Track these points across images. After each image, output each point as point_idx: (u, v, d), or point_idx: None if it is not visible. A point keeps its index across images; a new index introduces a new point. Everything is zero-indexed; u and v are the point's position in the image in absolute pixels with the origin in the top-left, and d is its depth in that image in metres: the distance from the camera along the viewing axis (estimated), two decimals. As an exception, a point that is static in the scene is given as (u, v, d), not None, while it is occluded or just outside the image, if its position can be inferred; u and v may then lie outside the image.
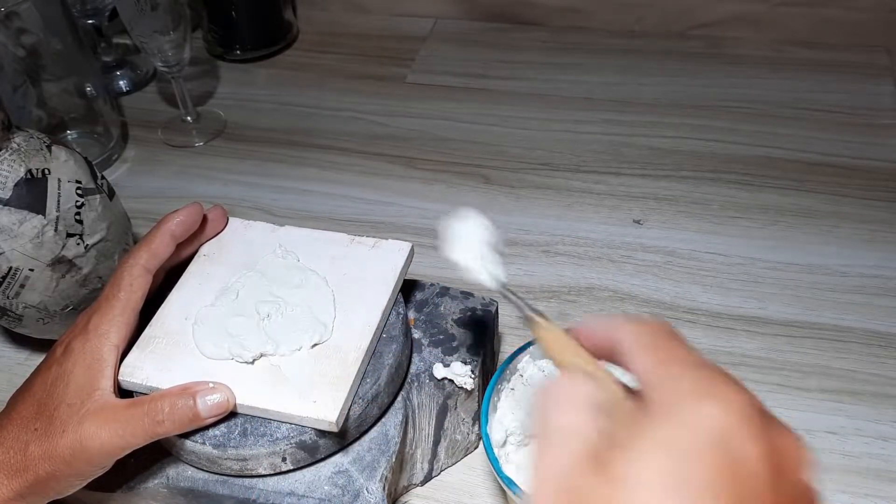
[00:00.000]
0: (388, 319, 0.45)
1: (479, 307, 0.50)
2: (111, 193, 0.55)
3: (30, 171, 0.49)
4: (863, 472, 0.49)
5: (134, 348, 0.43)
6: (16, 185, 0.48)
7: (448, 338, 0.48)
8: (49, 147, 0.51)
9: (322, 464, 0.42)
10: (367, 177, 0.73)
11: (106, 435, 0.38)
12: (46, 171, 0.49)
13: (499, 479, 0.42)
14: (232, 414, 0.41)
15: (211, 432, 0.40)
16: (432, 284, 0.52)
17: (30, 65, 0.70)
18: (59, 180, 0.50)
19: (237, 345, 0.42)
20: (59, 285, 0.51)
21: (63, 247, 0.50)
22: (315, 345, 0.42)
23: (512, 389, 0.48)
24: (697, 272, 0.63)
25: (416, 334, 0.48)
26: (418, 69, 0.88)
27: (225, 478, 0.42)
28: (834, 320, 0.58)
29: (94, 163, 0.55)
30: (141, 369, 0.42)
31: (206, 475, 0.42)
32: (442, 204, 0.70)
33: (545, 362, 0.49)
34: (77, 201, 0.50)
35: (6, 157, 0.48)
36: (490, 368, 0.52)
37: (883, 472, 0.49)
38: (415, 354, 0.47)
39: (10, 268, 0.49)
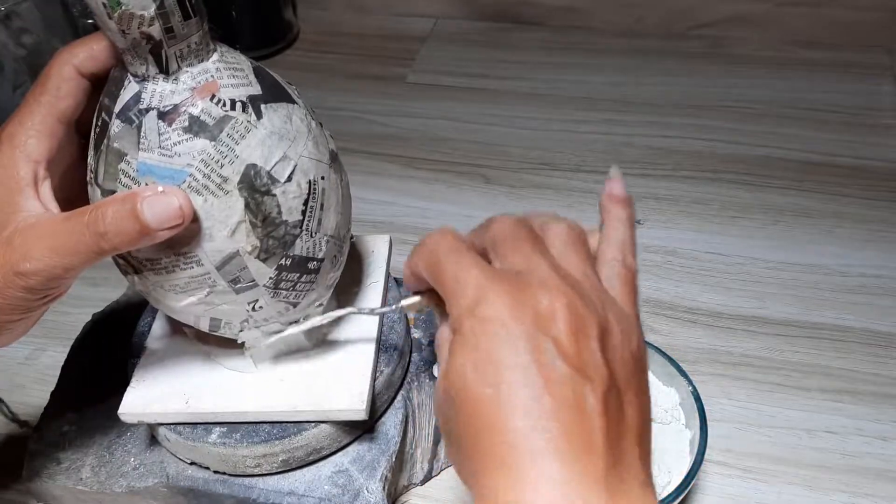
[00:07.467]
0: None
1: (480, 307, 0.50)
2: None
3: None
4: (863, 472, 0.49)
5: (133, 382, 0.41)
6: (258, 74, 0.35)
7: (448, 337, 0.48)
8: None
9: (322, 463, 0.42)
10: (367, 176, 0.73)
11: (39, 253, 0.32)
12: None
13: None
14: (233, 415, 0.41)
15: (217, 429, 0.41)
16: (432, 284, 0.52)
17: (30, 64, 0.70)
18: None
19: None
20: (343, 192, 0.37)
21: (332, 136, 0.38)
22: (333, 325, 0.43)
23: (512, 389, 0.48)
24: (698, 272, 0.63)
25: (416, 334, 0.48)
26: (418, 69, 0.88)
27: (225, 477, 0.42)
28: (834, 320, 0.58)
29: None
30: (147, 400, 0.40)
31: (207, 474, 0.42)
32: (442, 204, 0.70)
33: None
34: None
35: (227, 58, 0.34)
36: (490, 368, 0.52)
37: (883, 472, 0.49)
38: (415, 354, 0.47)
39: (310, 182, 0.35)
